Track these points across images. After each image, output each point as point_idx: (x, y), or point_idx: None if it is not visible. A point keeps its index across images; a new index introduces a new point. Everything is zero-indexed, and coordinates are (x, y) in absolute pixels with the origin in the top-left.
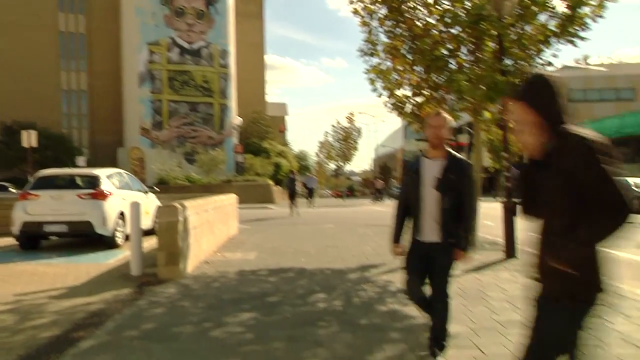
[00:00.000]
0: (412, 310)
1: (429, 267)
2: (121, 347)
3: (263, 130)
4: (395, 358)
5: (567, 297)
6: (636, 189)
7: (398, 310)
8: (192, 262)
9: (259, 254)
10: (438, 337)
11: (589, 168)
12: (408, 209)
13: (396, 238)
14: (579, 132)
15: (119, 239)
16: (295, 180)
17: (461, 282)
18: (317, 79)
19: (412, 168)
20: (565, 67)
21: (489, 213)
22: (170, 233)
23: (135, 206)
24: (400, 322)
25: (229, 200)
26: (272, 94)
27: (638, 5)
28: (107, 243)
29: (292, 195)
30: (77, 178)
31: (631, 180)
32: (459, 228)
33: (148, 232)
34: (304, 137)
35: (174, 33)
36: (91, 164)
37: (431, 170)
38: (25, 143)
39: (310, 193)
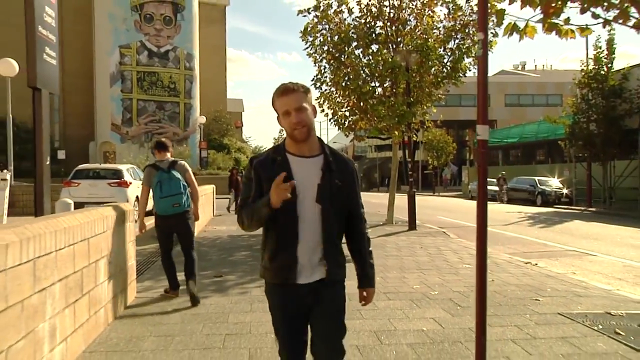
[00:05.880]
0: None
1: (309, 319)
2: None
3: (224, 127)
4: None
5: None
6: (540, 186)
7: None
8: (196, 231)
9: (239, 227)
10: None
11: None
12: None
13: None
14: None
15: (135, 215)
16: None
17: (372, 241)
18: (271, 72)
19: (274, 171)
20: (503, 72)
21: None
22: None
23: None
24: None
25: (210, 190)
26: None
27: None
28: None
29: (232, 186)
30: (105, 171)
31: (536, 178)
32: (358, 254)
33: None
34: (259, 131)
35: (144, 37)
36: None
37: (305, 173)
38: None
39: None
